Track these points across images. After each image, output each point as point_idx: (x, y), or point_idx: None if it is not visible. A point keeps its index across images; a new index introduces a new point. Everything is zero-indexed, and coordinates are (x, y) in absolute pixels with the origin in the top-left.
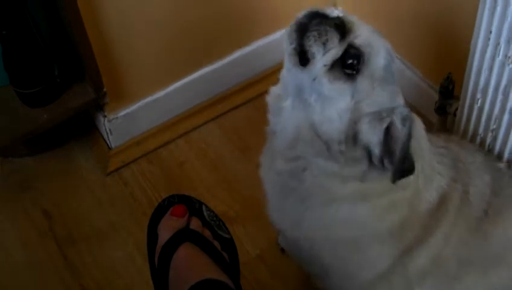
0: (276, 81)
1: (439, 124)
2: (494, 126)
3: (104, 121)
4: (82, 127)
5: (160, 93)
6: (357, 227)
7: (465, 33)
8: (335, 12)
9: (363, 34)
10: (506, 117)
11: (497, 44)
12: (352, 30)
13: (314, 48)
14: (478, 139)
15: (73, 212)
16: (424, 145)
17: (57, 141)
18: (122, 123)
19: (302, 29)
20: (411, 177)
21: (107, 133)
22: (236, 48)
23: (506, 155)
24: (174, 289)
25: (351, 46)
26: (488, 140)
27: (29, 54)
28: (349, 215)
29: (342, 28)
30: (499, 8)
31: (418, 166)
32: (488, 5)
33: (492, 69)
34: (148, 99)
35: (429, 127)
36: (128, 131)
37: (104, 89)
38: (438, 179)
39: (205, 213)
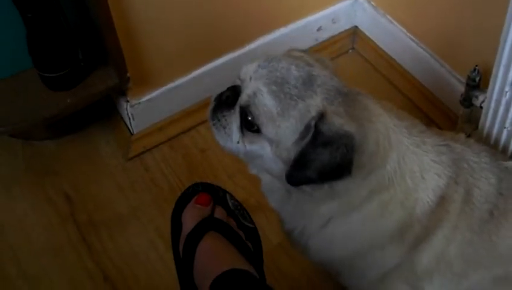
0: None
1: (465, 117)
2: None
3: (127, 106)
4: (104, 112)
5: (182, 80)
6: (357, 239)
7: (496, 25)
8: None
9: (246, 88)
10: None
11: None
12: (242, 90)
13: (222, 127)
14: (504, 133)
15: (94, 197)
16: (394, 137)
17: (79, 125)
18: (145, 109)
19: (213, 112)
20: (378, 174)
21: (129, 118)
22: (259, 35)
23: None
24: (199, 278)
25: (242, 109)
26: None
27: (54, 38)
28: (346, 229)
29: (233, 96)
30: None
31: (390, 161)
32: None
33: None
34: (171, 85)
35: (454, 120)
36: (150, 117)
37: (128, 74)
38: (435, 179)
39: (229, 202)
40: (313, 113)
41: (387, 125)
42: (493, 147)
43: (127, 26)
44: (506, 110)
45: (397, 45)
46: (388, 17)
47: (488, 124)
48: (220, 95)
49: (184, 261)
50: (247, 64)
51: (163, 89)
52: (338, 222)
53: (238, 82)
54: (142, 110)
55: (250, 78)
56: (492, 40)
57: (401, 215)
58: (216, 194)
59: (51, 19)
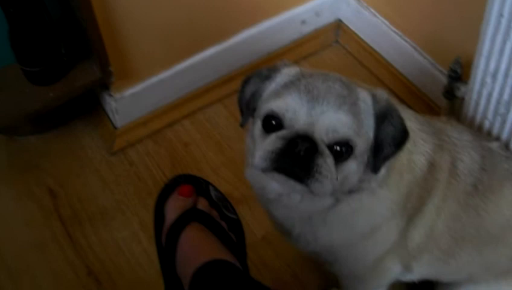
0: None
1: (447, 108)
2: (503, 110)
3: (110, 100)
4: (88, 107)
5: (166, 74)
6: (375, 212)
7: (477, 17)
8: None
9: (317, 125)
10: None
11: (508, 28)
12: (307, 131)
13: (325, 176)
14: (486, 124)
15: (78, 192)
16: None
17: (63, 120)
18: (128, 103)
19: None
20: None
21: (112, 113)
22: (243, 28)
23: None
24: (181, 269)
25: (330, 146)
26: (497, 124)
27: (36, 32)
28: (358, 207)
29: (309, 143)
30: None
31: None
32: None
33: (503, 53)
34: (154, 79)
35: (437, 111)
36: (133, 111)
37: (110, 68)
38: (423, 143)
39: (212, 193)
40: (369, 102)
41: None
42: None
43: (109, 20)
44: (488, 101)
45: (380, 38)
46: (371, 10)
47: (470, 115)
48: (288, 155)
49: (166, 252)
50: (284, 105)
51: (147, 83)
52: (362, 201)
53: (290, 127)
54: (125, 104)
55: (311, 113)
56: (473, 32)
57: (409, 180)
58: (199, 185)
59: (33, 13)
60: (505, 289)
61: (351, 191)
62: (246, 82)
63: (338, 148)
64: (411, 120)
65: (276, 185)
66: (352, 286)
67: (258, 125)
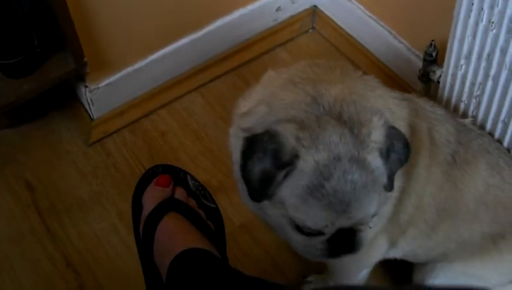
0: (258, 51)
1: (423, 92)
2: (478, 92)
3: (85, 91)
4: (63, 98)
5: (141, 63)
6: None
7: (450, 0)
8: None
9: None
10: (489, 84)
11: (481, 9)
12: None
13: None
14: (462, 106)
15: (55, 184)
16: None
17: (38, 113)
18: (104, 93)
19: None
20: None
21: (88, 104)
22: (218, 16)
23: (489, 121)
24: (159, 259)
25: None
26: (472, 107)
27: (8, 24)
28: None
29: (350, 234)
30: None
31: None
32: None
33: (476, 35)
34: (130, 69)
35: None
36: (109, 101)
37: (85, 59)
38: (398, 109)
39: (190, 183)
40: (379, 162)
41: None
42: None
43: (82, 10)
44: (462, 84)
45: (356, 23)
46: None
47: (445, 98)
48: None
49: (144, 242)
50: (321, 222)
51: (122, 73)
52: None
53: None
54: (101, 95)
55: (347, 216)
56: (448, 16)
57: None
58: (177, 175)
59: (4, 4)
60: (478, 268)
61: None
62: (248, 157)
63: None
64: (380, 88)
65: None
66: (343, 269)
67: (286, 218)
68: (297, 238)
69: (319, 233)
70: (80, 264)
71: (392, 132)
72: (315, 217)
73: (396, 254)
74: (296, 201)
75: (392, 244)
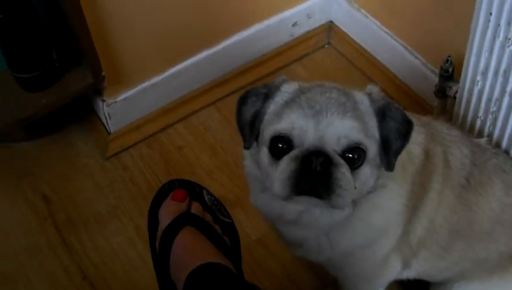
0: (275, 66)
1: (439, 108)
2: (494, 108)
3: (103, 105)
4: (80, 112)
5: (158, 78)
6: (389, 208)
7: (465, 15)
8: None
9: (325, 136)
10: (506, 99)
11: (497, 26)
12: (317, 144)
13: (344, 189)
14: (478, 122)
15: (72, 197)
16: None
17: (56, 126)
18: (121, 108)
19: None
20: None
21: (105, 118)
22: (235, 32)
23: (506, 137)
24: (175, 273)
25: (343, 153)
26: (488, 122)
27: (27, 38)
28: (379, 201)
29: (322, 157)
30: None
31: None
32: None
33: (493, 51)
34: (147, 83)
35: (430, 111)
36: (126, 116)
37: (103, 73)
38: (415, 134)
39: (206, 197)
40: (367, 102)
41: None
42: None
43: (100, 25)
44: (479, 100)
45: (372, 39)
46: (363, 11)
47: (461, 113)
48: (305, 175)
49: (160, 257)
50: (289, 125)
51: (139, 87)
52: (375, 198)
53: (299, 146)
54: (118, 109)
55: (318, 128)
56: (464, 31)
57: (412, 171)
58: (192, 190)
59: (24, 19)
60: (496, 287)
61: (368, 192)
62: (242, 102)
63: (351, 155)
64: None
65: (295, 205)
66: (357, 288)
67: (265, 151)
68: (275, 175)
69: (289, 148)
70: (96, 277)
71: (391, 103)
72: (285, 121)
73: (410, 274)
74: (272, 117)
75: (405, 265)
